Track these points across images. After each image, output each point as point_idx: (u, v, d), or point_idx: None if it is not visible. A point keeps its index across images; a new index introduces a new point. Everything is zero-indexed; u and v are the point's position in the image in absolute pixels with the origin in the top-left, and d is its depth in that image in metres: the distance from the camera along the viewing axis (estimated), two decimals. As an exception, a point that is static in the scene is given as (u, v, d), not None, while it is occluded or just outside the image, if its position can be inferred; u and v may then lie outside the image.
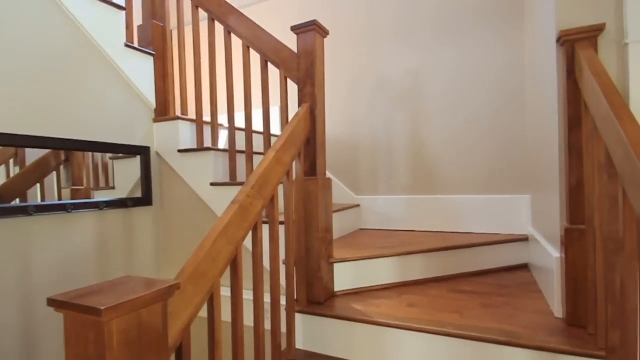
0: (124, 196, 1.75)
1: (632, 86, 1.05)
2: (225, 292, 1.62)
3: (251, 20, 1.60)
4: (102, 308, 0.55)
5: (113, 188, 1.74)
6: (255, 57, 2.70)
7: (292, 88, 2.51)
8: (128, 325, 0.60)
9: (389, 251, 1.56)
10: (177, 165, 1.81)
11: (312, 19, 2.30)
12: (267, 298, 1.54)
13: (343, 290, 1.48)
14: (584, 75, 1.00)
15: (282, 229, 1.47)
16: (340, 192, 2.40)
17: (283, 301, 1.44)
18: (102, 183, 1.71)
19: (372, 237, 1.98)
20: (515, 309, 1.24)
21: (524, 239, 1.75)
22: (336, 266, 1.47)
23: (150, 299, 0.62)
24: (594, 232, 0.99)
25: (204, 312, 1.62)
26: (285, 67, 1.48)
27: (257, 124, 2.70)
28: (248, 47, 1.64)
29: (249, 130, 1.66)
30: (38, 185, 1.47)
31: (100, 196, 1.67)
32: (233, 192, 1.66)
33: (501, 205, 1.95)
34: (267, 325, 1.54)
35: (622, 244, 0.81)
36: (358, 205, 2.31)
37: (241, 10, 2.05)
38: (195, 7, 1.77)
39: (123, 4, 1.75)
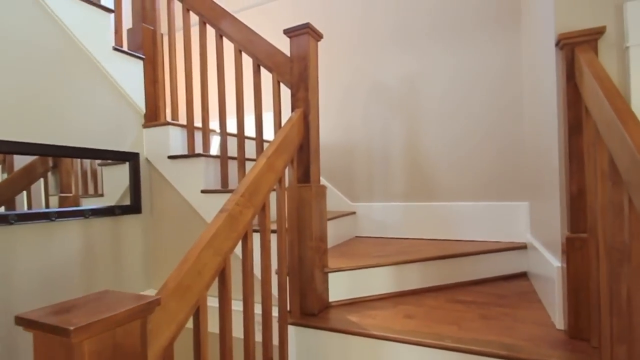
0: (113, 203, 1.70)
1: (633, 90, 1.03)
2: (215, 302, 1.56)
3: (243, 24, 1.56)
4: (71, 328, 0.50)
5: (102, 195, 1.69)
6: (247, 62, 2.67)
7: (286, 93, 2.47)
8: (101, 346, 0.55)
9: (385, 260, 1.51)
10: (167, 171, 1.77)
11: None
12: (258, 309, 1.49)
13: (338, 301, 1.43)
14: (585, 79, 0.97)
15: (274, 238, 1.43)
16: (336, 199, 2.36)
17: (275, 312, 1.39)
18: (90, 190, 1.66)
19: (368, 245, 1.93)
20: (515, 320, 1.20)
21: (523, 247, 1.72)
22: (331, 276, 1.42)
23: (127, 316, 0.57)
24: (597, 240, 0.96)
25: (191, 323, 1.56)
26: (278, 71, 1.45)
27: (250, 130, 2.66)
28: (240, 51, 1.61)
29: (241, 136, 1.62)
30: (25, 192, 1.42)
31: (89, 203, 1.62)
32: (224, 199, 1.62)
33: (499, 212, 1.91)
34: (259, 337, 1.48)
35: (628, 254, 0.78)
36: (354, 213, 2.26)
37: (235, 15, 2.02)
38: (186, 10, 1.74)
39: (112, 7, 1.71)
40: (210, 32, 2.74)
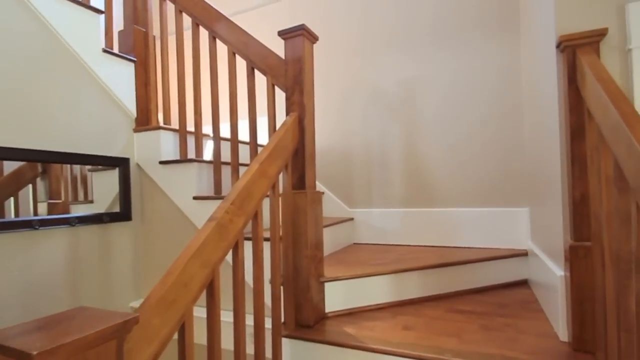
0: (103, 210, 1.65)
1: (636, 93, 1.00)
2: (203, 312, 1.51)
3: (237, 26, 1.53)
4: (34, 353, 0.45)
5: (92, 202, 1.63)
6: (241, 65, 2.63)
7: (281, 96, 2.44)
8: (72, 370, 0.50)
9: (383, 268, 1.47)
10: (159, 177, 1.72)
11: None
12: (251, 320, 1.44)
13: (334, 311, 1.38)
14: (587, 82, 0.94)
15: (268, 246, 1.38)
16: (333, 205, 2.32)
17: (268, 324, 1.34)
18: (80, 196, 1.61)
19: (366, 252, 1.89)
20: (517, 332, 1.16)
21: (523, 254, 1.67)
22: (327, 285, 1.37)
23: (98, 338, 0.52)
24: (602, 249, 0.92)
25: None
26: (273, 74, 1.41)
27: (244, 134, 2.61)
28: (234, 54, 1.57)
29: (234, 141, 1.58)
30: (12, 198, 1.37)
31: (78, 210, 1.57)
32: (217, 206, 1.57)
33: (499, 218, 1.88)
34: (251, 349, 1.43)
35: (636, 265, 0.74)
36: (352, 219, 2.22)
37: (232, 18, 1.99)
38: (179, 12, 1.70)
39: (102, 8, 1.67)
40: (204, 34, 2.71)
